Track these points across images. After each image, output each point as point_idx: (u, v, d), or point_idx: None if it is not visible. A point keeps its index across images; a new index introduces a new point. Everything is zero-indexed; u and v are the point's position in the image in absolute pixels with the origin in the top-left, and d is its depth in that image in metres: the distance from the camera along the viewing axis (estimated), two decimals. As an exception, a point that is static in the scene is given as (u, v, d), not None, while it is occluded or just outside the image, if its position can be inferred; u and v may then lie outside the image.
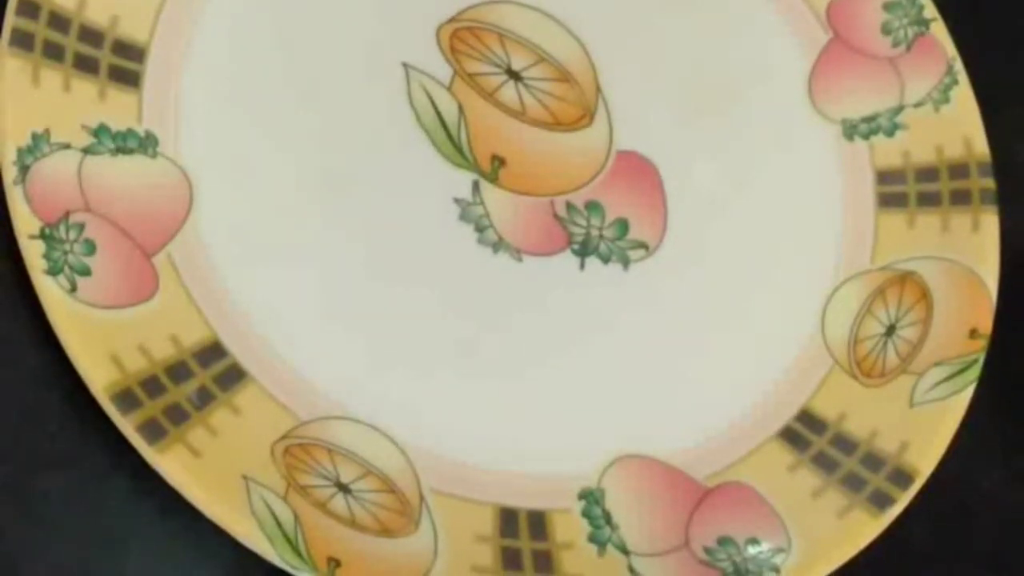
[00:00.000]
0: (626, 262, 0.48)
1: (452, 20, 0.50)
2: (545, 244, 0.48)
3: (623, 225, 0.49)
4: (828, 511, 0.45)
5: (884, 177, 0.52)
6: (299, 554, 0.40)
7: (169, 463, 0.40)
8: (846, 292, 0.50)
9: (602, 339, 0.47)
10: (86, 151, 0.44)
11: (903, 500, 0.45)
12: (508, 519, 0.44)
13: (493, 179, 0.48)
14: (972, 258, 0.50)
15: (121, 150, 0.44)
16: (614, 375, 0.47)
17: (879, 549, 0.45)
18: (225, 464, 0.41)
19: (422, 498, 0.43)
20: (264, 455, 0.42)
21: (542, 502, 0.45)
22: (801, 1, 0.54)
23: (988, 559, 0.48)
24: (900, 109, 0.52)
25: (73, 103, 0.44)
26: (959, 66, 0.53)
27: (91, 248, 0.42)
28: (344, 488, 0.42)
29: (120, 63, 0.45)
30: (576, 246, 0.48)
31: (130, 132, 0.45)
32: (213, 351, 0.43)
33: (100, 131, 0.44)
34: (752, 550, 0.44)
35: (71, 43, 0.45)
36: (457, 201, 0.48)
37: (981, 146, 0.52)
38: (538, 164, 0.49)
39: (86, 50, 0.45)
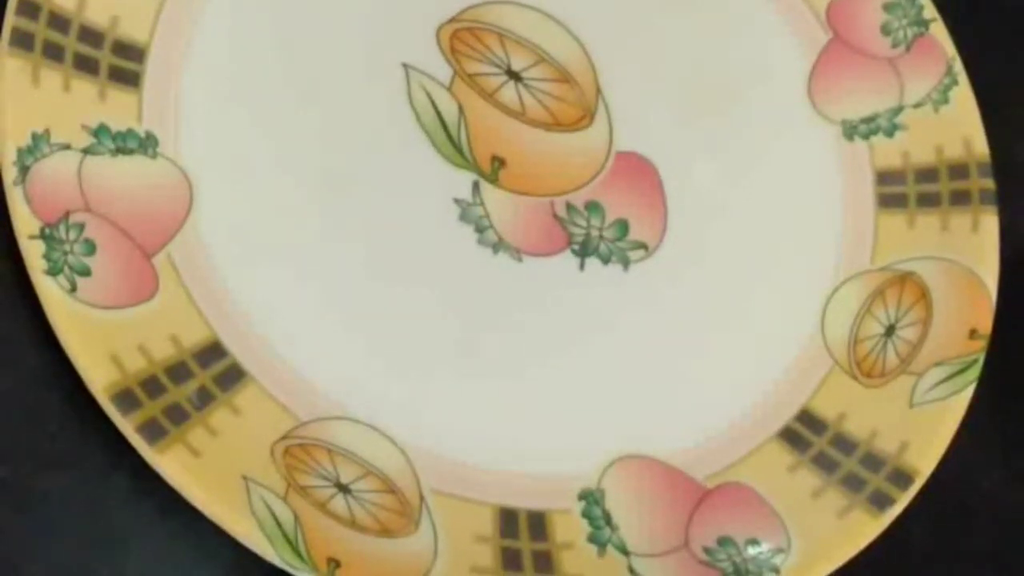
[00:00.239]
0: (626, 262, 0.48)
1: (452, 20, 0.50)
2: (545, 244, 0.48)
3: (623, 225, 0.49)
4: (828, 511, 0.45)
5: (884, 177, 0.52)
6: (299, 554, 0.40)
7: (169, 463, 0.40)
8: (846, 292, 0.50)
9: (602, 339, 0.47)
10: (86, 151, 0.44)
11: (903, 500, 0.45)
12: (508, 519, 0.44)
13: (493, 179, 0.48)
14: (972, 258, 0.50)
15: (121, 150, 0.44)
16: (614, 375, 0.47)
17: (879, 549, 0.45)
18: (225, 464, 0.41)
19: (422, 498, 0.43)
20: (264, 455, 0.42)
21: (542, 502, 0.45)
22: (801, 1, 0.54)
23: (988, 559, 0.48)
24: (900, 109, 0.52)
25: (73, 103, 0.44)
26: (959, 66, 0.53)
27: (91, 248, 0.42)
28: (344, 488, 0.42)
29: (120, 63, 0.45)
30: (576, 246, 0.48)
31: (130, 132, 0.45)
32: (213, 351, 0.43)
33: (100, 131, 0.44)
34: (752, 550, 0.44)
35: (71, 43, 0.45)
36: (457, 201, 0.48)
37: (981, 146, 0.52)
38: (538, 164, 0.49)
39: (86, 50, 0.45)
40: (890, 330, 0.49)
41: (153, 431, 0.40)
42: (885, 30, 0.53)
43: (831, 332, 0.49)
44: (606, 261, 0.48)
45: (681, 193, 0.50)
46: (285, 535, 0.40)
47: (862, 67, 0.53)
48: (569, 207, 0.49)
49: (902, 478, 0.46)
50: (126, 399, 0.40)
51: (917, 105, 0.53)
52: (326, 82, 0.48)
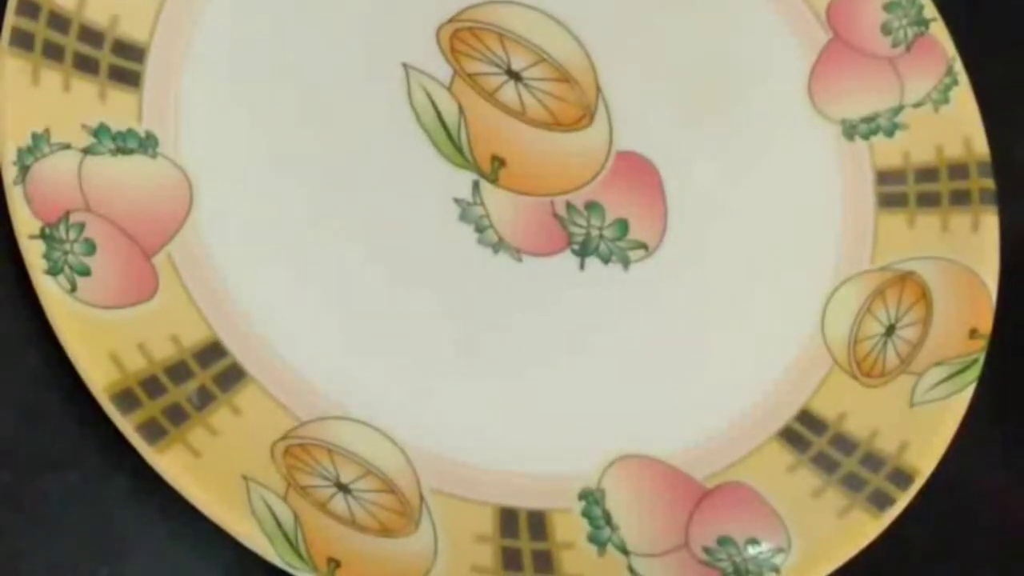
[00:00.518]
0: (626, 262, 0.48)
1: (452, 20, 0.50)
2: (545, 244, 0.48)
3: (623, 225, 0.49)
4: (828, 511, 0.45)
5: (884, 177, 0.52)
6: (299, 554, 0.40)
7: (169, 463, 0.40)
8: (846, 292, 0.50)
9: (602, 339, 0.47)
10: (86, 151, 0.44)
11: (903, 500, 0.45)
12: (508, 519, 0.44)
13: (493, 179, 0.48)
14: (972, 258, 0.50)
15: (121, 150, 0.44)
16: (614, 375, 0.47)
17: (879, 549, 0.45)
18: (225, 464, 0.41)
19: (422, 498, 0.43)
20: (264, 455, 0.42)
21: (542, 502, 0.45)
22: (801, 1, 0.54)
23: (988, 559, 0.48)
24: (900, 109, 0.52)
25: (73, 103, 0.44)
26: (959, 66, 0.53)
27: (91, 248, 0.42)
28: (344, 488, 0.42)
29: (120, 63, 0.45)
30: (576, 246, 0.48)
31: (130, 132, 0.45)
32: (213, 351, 0.43)
33: (100, 131, 0.44)
34: (752, 550, 0.44)
35: (71, 43, 0.45)
36: (457, 201, 0.48)
37: (981, 146, 0.52)
38: (538, 164, 0.49)
39: (86, 50, 0.45)
40: (890, 330, 0.49)
41: (153, 431, 0.40)
42: (885, 30, 0.53)
43: (831, 332, 0.49)
44: (606, 261, 0.48)
45: (681, 193, 0.50)
46: (285, 535, 0.40)
47: (862, 67, 0.53)
48: (569, 207, 0.49)
49: (902, 478, 0.46)
50: (126, 399, 0.40)
51: (917, 105, 0.53)
52: (326, 82, 0.48)
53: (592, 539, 0.44)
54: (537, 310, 0.47)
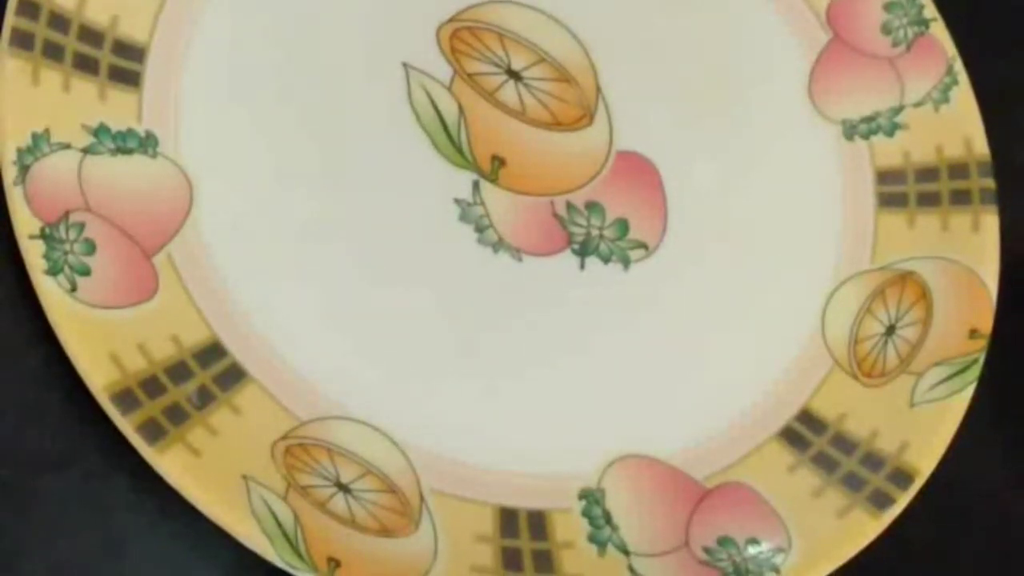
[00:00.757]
0: (626, 262, 0.48)
1: (452, 20, 0.50)
2: (545, 244, 0.48)
3: (623, 225, 0.49)
4: (828, 511, 0.45)
5: (884, 177, 0.52)
6: (299, 554, 0.40)
7: (169, 463, 0.40)
8: (846, 292, 0.50)
9: (602, 339, 0.47)
10: (86, 151, 0.44)
11: (903, 500, 0.45)
12: (508, 519, 0.44)
13: (493, 179, 0.48)
14: (972, 258, 0.50)
15: (121, 150, 0.44)
16: (614, 375, 0.47)
17: (879, 549, 0.45)
18: (225, 464, 0.41)
19: (422, 498, 0.43)
20: (264, 455, 0.42)
21: (542, 502, 0.45)
22: (801, 1, 0.54)
23: (988, 559, 0.48)
24: (900, 109, 0.52)
25: (73, 103, 0.44)
26: (959, 66, 0.53)
27: (91, 248, 0.42)
28: (344, 488, 0.42)
29: (120, 63, 0.45)
30: (576, 246, 0.48)
31: (130, 132, 0.45)
32: (213, 351, 0.43)
33: (100, 131, 0.44)
34: (752, 550, 0.44)
35: (71, 43, 0.45)
36: (457, 201, 0.48)
37: (981, 146, 0.52)
38: (538, 164, 0.49)
39: (86, 50, 0.45)
40: (890, 330, 0.49)
41: (153, 431, 0.40)
42: (885, 29, 0.53)
43: (831, 332, 0.49)
44: (606, 261, 0.48)
45: (681, 193, 0.50)
46: (285, 535, 0.40)
47: (862, 67, 0.53)
48: (569, 207, 0.49)
49: (902, 478, 0.46)
50: (126, 399, 0.40)
51: (917, 104, 0.52)
52: (326, 82, 0.48)
53: (592, 539, 0.44)
54: (537, 310, 0.47)
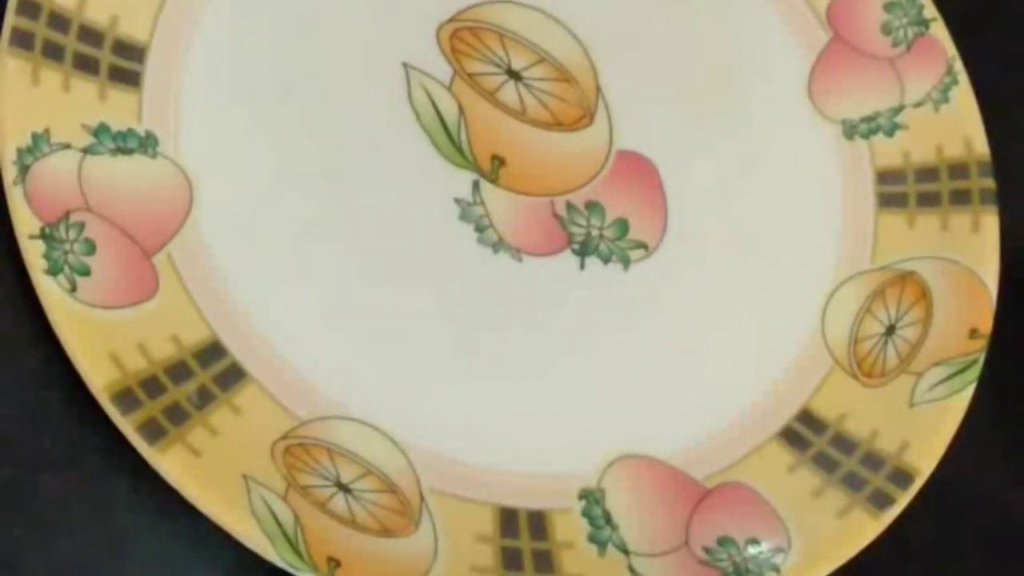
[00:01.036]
0: (626, 262, 0.48)
1: (452, 20, 0.50)
2: (545, 244, 0.48)
3: (623, 225, 0.49)
4: (828, 511, 0.45)
5: (884, 177, 0.52)
6: (299, 554, 0.40)
7: (169, 463, 0.40)
8: (846, 292, 0.50)
9: (602, 339, 0.47)
10: (86, 151, 0.44)
11: (903, 500, 0.45)
12: (508, 519, 0.44)
13: (493, 179, 0.48)
14: (972, 258, 0.50)
15: (121, 150, 0.44)
16: (614, 375, 0.47)
17: (879, 549, 0.45)
18: (225, 464, 0.41)
19: (422, 498, 0.43)
20: (264, 455, 0.42)
21: (542, 502, 0.45)
22: (801, 1, 0.54)
23: (988, 559, 0.48)
24: (900, 109, 0.52)
25: (73, 103, 0.44)
26: (959, 66, 0.53)
27: (91, 248, 0.42)
28: (344, 488, 0.42)
29: (120, 63, 0.45)
30: (576, 246, 0.48)
31: (130, 132, 0.45)
32: (213, 351, 0.43)
33: (100, 131, 0.44)
34: (752, 550, 0.44)
35: (71, 43, 0.45)
36: (457, 201, 0.48)
37: (981, 146, 0.52)
38: (538, 164, 0.49)
39: (86, 50, 0.45)
40: (890, 330, 0.49)
41: (153, 431, 0.40)
42: (885, 29, 0.53)
43: (831, 332, 0.49)
44: (606, 261, 0.48)
45: (681, 193, 0.50)
46: (285, 535, 0.40)
47: (862, 66, 0.53)
48: (569, 206, 0.49)
49: (902, 478, 0.46)
50: (126, 399, 0.40)
51: (917, 104, 0.52)
52: (326, 82, 0.48)
53: (592, 539, 0.44)
54: (537, 310, 0.47)
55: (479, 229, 0.47)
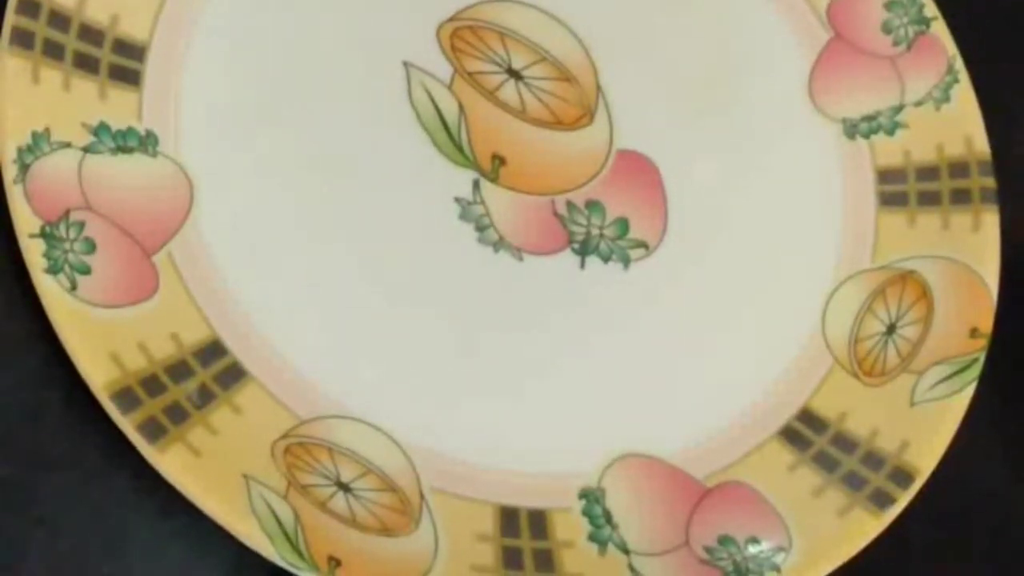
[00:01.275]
0: (626, 261, 0.48)
1: (452, 19, 0.50)
2: (545, 243, 0.48)
3: (623, 224, 0.49)
4: (829, 510, 0.45)
5: (885, 176, 0.52)
6: (299, 553, 0.40)
7: (169, 462, 0.40)
8: (846, 291, 0.50)
9: (602, 338, 0.47)
10: (86, 150, 0.44)
11: (904, 499, 0.45)
12: (509, 518, 0.44)
13: (493, 178, 0.48)
14: (972, 257, 0.50)
15: (121, 149, 0.44)
16: (614, 374, 0.47)
17: (879, 548, 0.45)
18: (225, 463, 0.41)
19: (422, 497, 0.43)
20: (264, 454, 0.42)
21: (543, 501, 0.45)
22: (802, 0, 0.54)
23: (988, 559, 0.48)
24: (901, 108, 0.52)
25: (73, 102, 0.44)
26: (960, 65, 0.53)
27: (91, 247, 0.42)
28: (344, 487, 0.42)
29: (120, 62, 0.45)
30: (576, 245, 0.48)
31: (130, 131, 0.45)
32: (213, 350, 0.43)
33: (100, 130, 0.44)
34: (753, 549, 0.44)
35: (71, 42, 0.45)
36: (457, 200, 0.48)
37: (982, 145, 0.52)
38: (538, 163, 0.49)
39: (86, 49, 0.45)
40: (891, 329, 0.49)
41: (153, 430, 0.40)
42: (886, 28, 0.53)
43: (832, 331, 0.49)
44: (606, 260, 0.48)
45: (681, 192, 0.50)
46: (285, 534, 0.40)
47: (863, 65, 0.53)
48: (570, 206, 0.49)
49: (903, 477, 0.46)
50: (126, 398, 0.40)
51: (918, 103, 0.52)
52: (326, 80, 0.48)
53: (593, 538, 0.44)
54: (537, 309, 0.47)
55: (479, 228, 0.47)
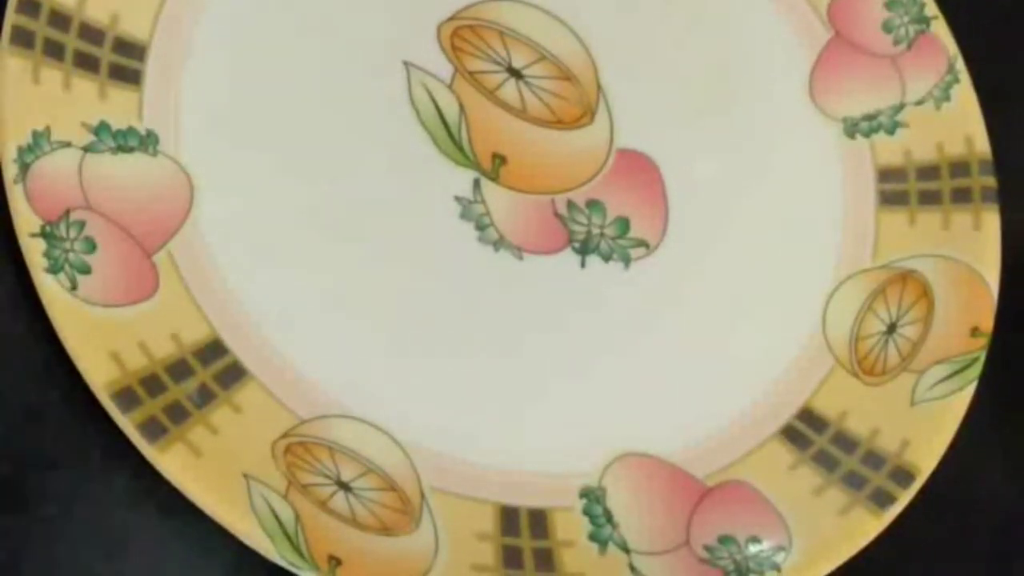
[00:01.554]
0: (627, 260, 0.48)
1: (453, 18, 0.50)
2: (546, 242, 0.48)
3: (624, 223, 0.49)
4: (829, 509, 0.45)
5: (885, 175, 0.52)
6: (300, 553, 0.40)
7: (170, 462, 0.40)
8: (847, 290, 0.50)
9: (603, 337, 0.47)
10: (87, 149, 0.44)
11: (904, 498, 0.45)
12: (509, 517, 0.44)
13: (494, 177, 0.48)
14: (973, 256, 0.50)
15: (122, 148, 0.44)
16: (615, 373, 0.47)
17: (879, 548, 0.45)
18: (226, 462, 0.41)
19: (423, 496, 0.43)
20: (265, 453, 0.42)
21: (543, 500, 0.45)
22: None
23: (988, 559, 0.48)
24: (901, 107, 0.52)
25: (74, 101, 0.44)
26: (960, 64, 0.53)
27: (91, 246, 0.42)
28: (345, 486, 0.42)
29: (121, 61, 0.45)
30: (577, 244, 0.48)
31: (131, 130, 0.45)
32: (213, 349, 0.43)
33: (101, 129, 0.44)
34: (753, 548, 0.44)
35: (71, 41, 0.45)
36: (458, 199, 0.48)
37: (982, 144, 0.51)
38: (539, 162, 0.49)
39: (87, 48, 0.45)
40: (891, 328, 0.49)
41: (154, 429, 0.40)
42: (886, 28, 0.53)
43: (832, 330, 0.49)
44: (607, 259, 0.48)
45: (682, 191, 0.50)
46: (286, 533, 0.40)
47: (863, 65, 0.53)
48: (570, 205, 0.49)
49: (903, 476, 0.46)
50: (126, 397, 0.40)
51: (919, 103, 0.52)
52: (326, 80, 0.48)
53: (593, 537, 0.44)
54: (537, 308, 0.47)
55: (480, 227, 0.47)
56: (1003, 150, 0.52)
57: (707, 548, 0.44)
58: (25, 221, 0.42)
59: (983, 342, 0.48)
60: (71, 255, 0.42)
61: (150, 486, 0.40)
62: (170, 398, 0.41)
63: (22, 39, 0.43)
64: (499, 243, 0.47)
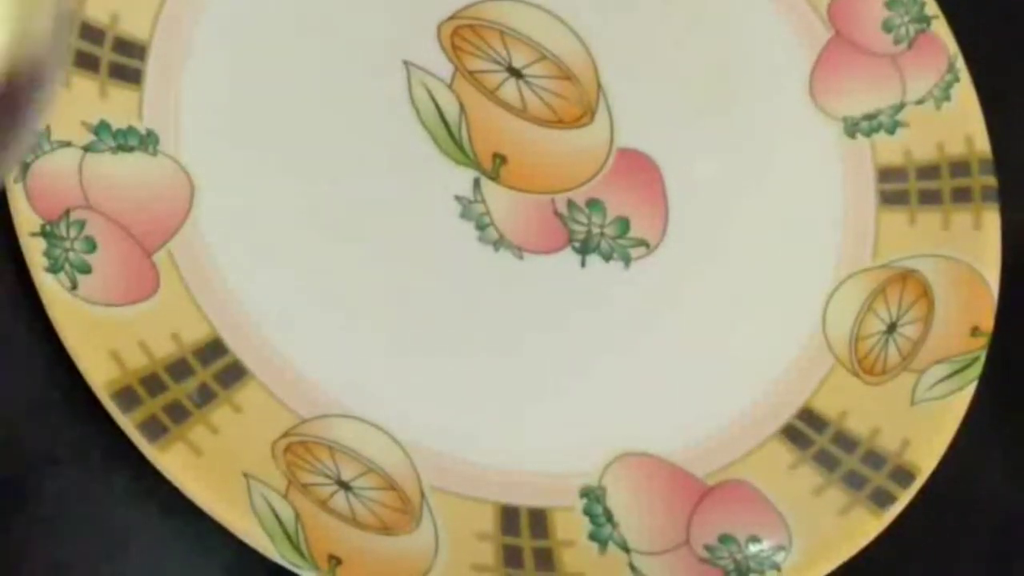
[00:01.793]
0: (627, 260, 0.48)
1: (453, 17, 0.50)
2: (546, 242, 0.48)
3: (624, 223, 0.49)
4: (829, 509, 0.45)
5: (885, 175, 0.52)
6: (300, 552, 0.40)
7: (170, 461, 0.40)
8: (847, 290, 0.50)
9: (603, 337, 0.47)
10: (87, 148, 0.44)
11: (904, 498, 0.45)
12: (509, 517, 0.44)
13: (494, 177, 0.48)
14: (973, 256, 0.50)
15: (122, 148, 0.44)
16: (615, 373, 0.47)
17: (879, 548, 0.45)
18: (226, 462, 0.41)
19: (423, 496, 0.43)
20: (265, 453, 0.42)
21: (543, 500, 0.45)
22: (803, -1, 0.54)
23: (988, 559, 0.48)
24: (902, 106, 0.52)
25: (74, 100, 0.44)
26: (961, 63, 0.53)
27: (92, 246, 0.42)
28: (345, 486, 0.42)
29: (121, 60, 0.45)
30: (577, 244, 0.48)
31: (131, 130, 0.45)
32: (214, 349, 0.43)
33: (101, 128, 0.44)
34: (753, 548, 0.44)
35: (72, 40, 0.44)
36: (458, 199, 0.48)
37: (983, 143, 0.51)
38: (539, 162, 0.49)
39: (86, 47, 0.45)
40: (891, 328, 0.49)
41: (154, 429, 0.40)
42: (887, 27, 0.53)
43: (832, 330, 0.49)
44: (607, 259, 0.48)
45: (682, 191, 0.50)
46: (286, 533, 0.40)
47: (864, 64, 0.53)
48: (570, 204, 0.49)
49: (903, 476, 0.46)
50: (127, 396, 0.40)
51: (919, 102, 0.52)
52: (327, 80, 0.48)
53: (593, 537, 0.44)
54: (537, 308, 0.47)
55: (480, 227, 0.47)
56: (1003, 149, 0.52)
57: (707, 547, 0.44)
58: (25, 220, 0.42)
59: (983, 342, 0.48)
60: (71, 254, 0.42)
61: (150, 485, 0.40)
62: (170, 397, 0.41)
63: (22, 38, 0.43)
64: (499, 243, 0.47)
